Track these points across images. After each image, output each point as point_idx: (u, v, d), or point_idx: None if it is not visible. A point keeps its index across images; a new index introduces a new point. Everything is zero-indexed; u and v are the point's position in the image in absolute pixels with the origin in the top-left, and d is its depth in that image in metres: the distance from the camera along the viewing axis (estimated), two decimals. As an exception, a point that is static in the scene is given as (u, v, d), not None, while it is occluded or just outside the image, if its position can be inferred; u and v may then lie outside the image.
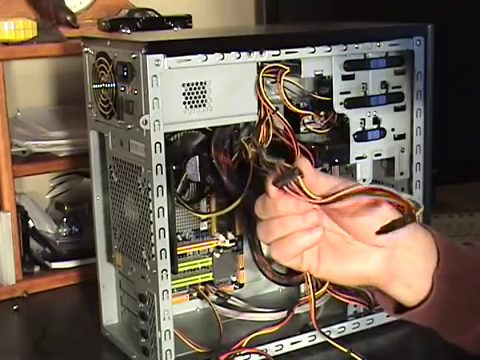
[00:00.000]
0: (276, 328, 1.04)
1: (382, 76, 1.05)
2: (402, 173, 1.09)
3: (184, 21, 1.37)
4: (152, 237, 0.94)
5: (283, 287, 1.15)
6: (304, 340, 1.05)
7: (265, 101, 0.98)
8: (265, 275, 1.07)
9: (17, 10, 1.31)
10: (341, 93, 1.02)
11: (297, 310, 1.08)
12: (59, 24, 1.31)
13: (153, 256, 0.94)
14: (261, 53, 0.96)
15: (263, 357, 1.01)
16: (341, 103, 1.03)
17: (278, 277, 1.08)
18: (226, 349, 1.00)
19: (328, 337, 1.03)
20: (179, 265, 1.01)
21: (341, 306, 1.09)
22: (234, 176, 1.01)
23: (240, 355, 1.00)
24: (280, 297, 1.17)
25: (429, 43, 1.06)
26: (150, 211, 0.93)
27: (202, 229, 1.10)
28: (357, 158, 1.05)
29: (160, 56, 0.90)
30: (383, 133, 1.06)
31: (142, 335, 1.00)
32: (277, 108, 0.99)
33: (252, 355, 1.00)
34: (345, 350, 1.00)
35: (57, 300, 1.25)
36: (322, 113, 1.07)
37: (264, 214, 0.78)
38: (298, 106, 1.05)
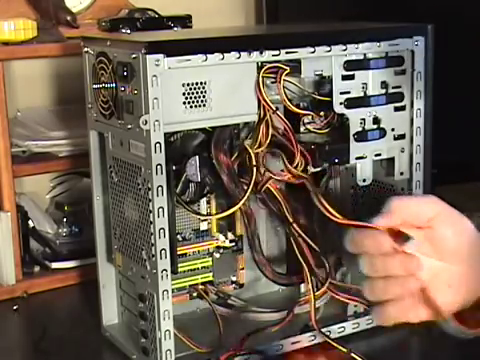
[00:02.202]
0: (276, 328, 1.04)
1: (382, 76, 1.05)
2: (402, 173, 1.09)
3: (184, 21, 1.37)
4: (152, 237, 0.94)
5: (283, 287, 1.15)
6: (304, 340, 1.05)
7: (265, 101, 0.98)
8: (265, 275, 1.07)
9: (17, 10, 1.31)
10: (341, 93, 1.02)
11: (297, 310, 1.08)
12: (59, 24, 1.31)
13: (153, 256, 0.94)
14: (261, 53, 0.96)
15: (263, 357, 1.01)
16: (341, 103, 1.03)
17: (278, 277, 1.08)
18: (226, 349, 0.99)
19: (328, 337, 1.03)
20: (179, 265, 1.01)
21: (341, 306, 1.09)
22: (234, 176, 1.01)
23: (240, 355, 1.00)
24: (280, 297, 1.17)
25: (429, 43, 1.06)
26: (150, 211, 0.93)
27: (202, 229, 1.10)
28: (357, 158, 1.04)
29: (160, 56, 0.90)
30: (383, 133, 1.06)
31: (142, 335, 1.00)
32: (277, 108, 0.99)
33: (252, 355, 1.00)
34: (345, 350, 1.00)
35: (57, 300, 1.25)
36: (322, 113, 1.07)
37: (380, 271, 0.76)
38: (298, 106, 1.04)
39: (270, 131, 1.00)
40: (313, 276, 1.02)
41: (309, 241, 1.02)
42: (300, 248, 1.01)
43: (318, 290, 1.03)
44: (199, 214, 1.07)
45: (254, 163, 1.00)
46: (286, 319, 1.05)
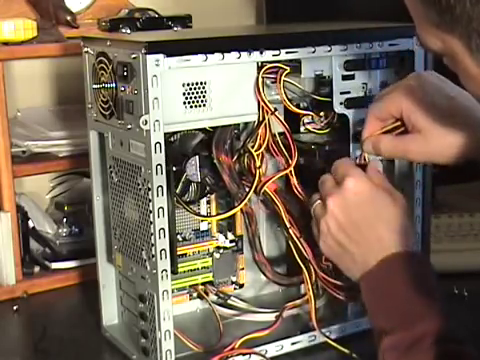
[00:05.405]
0: (266, 332, 1.03)
1: (382, 76, 1.05)
2: (402, 173, 1.09)
3: (184, 21, 1.38)
4: (152, 237, 0.94)
5: (283, 287, 1.15)
6: (304, 340, 1.05)
7: (264, 102, 0.98)
8: (265, 275, 1.07)
9: (17, 10, 1.31)
10: (341, 93, 1.02)
11: (297, 311, 1.08)
12: (59, 24, 1.31)
13: (153, 256, 0.94)
14: (261, 53, 0.96)
15: (261, 357, 1.01)
16: (341, 103, 1.03)
17: (278, 277, 1.08)
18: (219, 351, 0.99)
19: (328, 338, 1.03)
20: (179, 265, 1.01)
21: (341, 306, 1.09)
22: (235, 177, 1.01)
23: (231, 357, 0.99)
24: (280, 297, 1.17)
25: (429, 43, 1.06)
26: (150, 211, 0.93)
27: (202, 229, 1.10)
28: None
29: (160, 56, 0.90)
30: (383, 133, 1.06)
31: (142, 335, 1.00)
32: (276, 109, 0.99)
33: (243, 356, 1.00)
34: (345, 351, 1.00)
35: (57, 300, 1.25)
36: (322, 113, 1.07)
37: None
38: (298, 106, 1.05)
39: (268, 133, 1.00)
40: (312, 277, 1.02)
41: (305, 245, 1.01)
42: (298, 251, 1.01)
43: (318, 290, 1.03)
44: (200, 215, 1.07)
45: (258, 164, 1.00)
46: (275, 325, 1.04)
